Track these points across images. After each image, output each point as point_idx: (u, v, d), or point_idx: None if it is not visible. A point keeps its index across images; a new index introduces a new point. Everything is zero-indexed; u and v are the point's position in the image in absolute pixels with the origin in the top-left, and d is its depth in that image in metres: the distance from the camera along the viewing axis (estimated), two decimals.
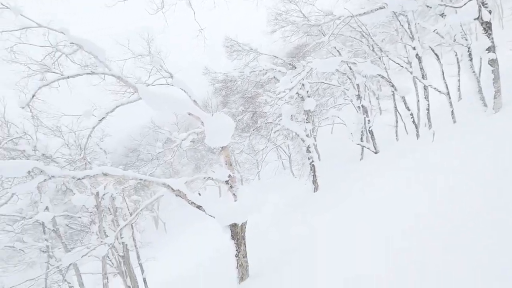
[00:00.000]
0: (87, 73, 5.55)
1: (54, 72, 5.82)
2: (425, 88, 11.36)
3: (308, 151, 13.41)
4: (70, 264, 7.99)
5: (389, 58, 10.92)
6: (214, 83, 17.10)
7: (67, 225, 13.57)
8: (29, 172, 4.71)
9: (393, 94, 15.29)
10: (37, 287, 10.47)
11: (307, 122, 13.83)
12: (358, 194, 7.70)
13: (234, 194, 5.82)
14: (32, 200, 10.98)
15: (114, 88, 8.26)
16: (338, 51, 14.83)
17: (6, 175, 4.50)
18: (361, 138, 16.13)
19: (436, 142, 8.29)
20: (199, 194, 5.40)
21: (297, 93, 13.17)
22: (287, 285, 4.44)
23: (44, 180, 4.73)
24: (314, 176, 13.45)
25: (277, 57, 15.46)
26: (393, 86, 10.30)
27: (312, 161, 13.41)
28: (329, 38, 11.88)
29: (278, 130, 15.43)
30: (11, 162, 4.60)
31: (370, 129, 14.78)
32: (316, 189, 13.45)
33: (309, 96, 14.00)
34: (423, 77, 11.00)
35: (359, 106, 15.18)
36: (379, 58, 13.65)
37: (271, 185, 23.06)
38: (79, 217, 12.89)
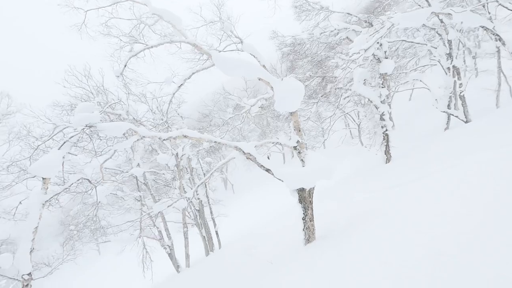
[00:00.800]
0: (167, 42, 5.97)
1: (140, 43, 6.44)
2: None
3: (381, 119, 12.37)
4: (159, 212, 9.41)
5: (499, 4, 8.80)
6: (282, 47, 16.56)
7: (154, 180, 15.80)
8: (124, 133, 5.53)
9: (498, 51, 12.57)
10: (134, 228, 12.76)
11: (382, 87, 12.58)
12: (438, 169, 6.88)
13: (302, 160, 5.83)
14: (127, 157, 13.01)
15: (189, 56, 8.77)
16: (427, 0, 12.62)
17: (109, 134, 5.35)
18: (448, 105, 14.04)
19: None
20: (268, 158, 5.57)
21: (373, 54, 11.92)
22: (354, 252, 4.42)
23: (137, 140, 5.49)
24: (387, 146, 12.49)
25: (350, 15, 14.00)
26: (500, 39, 8.43)
27: (386, 130, 12.39)
28: None
29: (348, 96, 14.45)
30: (112, 123, 5.43)
31: (461, 94, 12.70)
32: (388, 160, 12.54)
33: (386, 58, 12.58)
34: None
35: (448, 67, 13.03)
36: (483, 6, 11.16)
37: (338, 154, 22.35)
38: (163, 173, 14.84)
